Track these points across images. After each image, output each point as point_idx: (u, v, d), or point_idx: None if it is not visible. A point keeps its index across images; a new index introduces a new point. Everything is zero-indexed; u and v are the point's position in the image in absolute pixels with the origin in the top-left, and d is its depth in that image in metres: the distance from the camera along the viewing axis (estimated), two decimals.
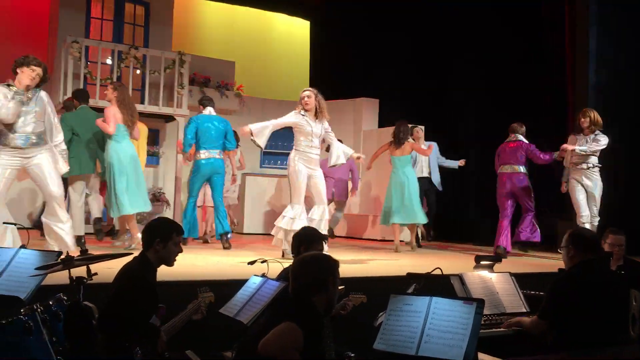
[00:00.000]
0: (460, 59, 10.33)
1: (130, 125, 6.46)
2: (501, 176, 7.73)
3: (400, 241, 8.01)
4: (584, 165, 6.96)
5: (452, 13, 10.25)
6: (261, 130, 6.20)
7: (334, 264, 2.75)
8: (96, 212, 7.11)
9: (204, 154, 7.40)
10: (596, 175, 6.99)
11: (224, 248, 7.17)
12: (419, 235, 8.74)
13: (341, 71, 11.97)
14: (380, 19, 11.55)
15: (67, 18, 10.14)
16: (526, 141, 7.64)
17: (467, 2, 9.90)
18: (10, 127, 4.98)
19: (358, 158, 6.77)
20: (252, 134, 6.17)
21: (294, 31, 14.11)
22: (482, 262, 4.11)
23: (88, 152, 6.73)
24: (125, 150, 6.39)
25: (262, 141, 6.23)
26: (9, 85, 5.02)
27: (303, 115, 6.30)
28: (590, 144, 6.91)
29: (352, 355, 3.11)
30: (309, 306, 2.60)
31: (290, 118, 6.32)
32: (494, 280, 3.85)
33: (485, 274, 3.90)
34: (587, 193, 6.99)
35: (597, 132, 6.96)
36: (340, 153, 6.58)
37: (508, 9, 9.52)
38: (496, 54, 9.80)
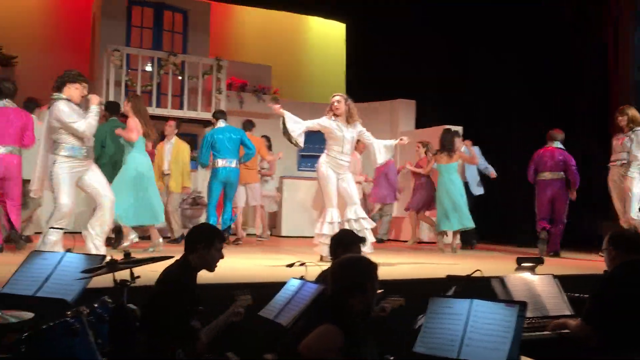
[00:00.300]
0: (499, 59, 10.16)
1: (149, 135, 6.52)
2: (541, 183, 7.85)
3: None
4: (618, 163, 6.89)
5: (489, 13, 10.10)
6: (295, 121, 6.20)
7: (373, 266, 2.73)
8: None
9: (221, 162, 7.74)
10: (634, 173, 6.81)
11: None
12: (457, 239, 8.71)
13: (377, 73, 11.92)
14: (417, 19, 11.46)
15: (108, 27, 10.40)
16: (564, 149, 7.77)
17: (505, 2, 9.75)
18: (80, 140, 5.17)
19: (401, 140, 6.53)
20: (284, 117, 6.14)
21: (329, 33, 14.14)
22: (524, 264, 4.04)
23: (111, 164, 6.85)
24: (144, 162, 6.48)
25: (297, 134, 6.17)
26: (68, 100, 5.14)
27: (334, 120, 6.27)
28: (634, 143, 6.76)
29: (392, 358, 3.09)
30: (346, 308, 2.60)
31: (322, 121, 6.30)
32: (536, 283, 3.77)
33: (527, 276, 3.83)
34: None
35: (638, 129, 6.80)
36: (382, 149, 6.48)
37: (549, 8, 9.33)
38: (536, 54, 9.62)
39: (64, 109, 5.04)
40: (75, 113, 5.12)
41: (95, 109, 5.18)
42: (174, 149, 8.20)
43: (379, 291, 3.02)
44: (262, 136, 9.38)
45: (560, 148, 7.78)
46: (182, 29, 11.08)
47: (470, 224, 8.06)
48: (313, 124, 6.31)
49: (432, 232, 9.15)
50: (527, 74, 9.74)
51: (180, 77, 9.93)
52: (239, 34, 13.27)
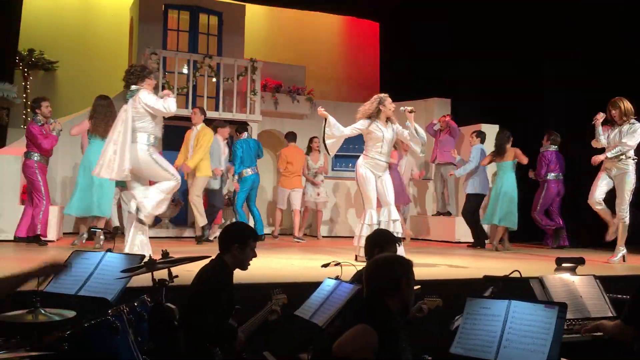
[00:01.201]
0: (535, 56, 9.97)
1: (97, 131, 7.03)
2: (552, 182, 8.80)
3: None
4: (615, 158, 6.66)
5: (524, 10, 9.93)
6: (336, 128, 6.26)
7: (408, 264, 2.70)
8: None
9: (247, 171, 8.73)
10: (629, 167, 6.62)
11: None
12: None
13: (412, 71, 11.83)
14: (452, 17, 11.35)
15: (146, 31, 10.58)
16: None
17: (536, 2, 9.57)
18: (157, 130, 5.70)
19: (411, 112, 6.38)
20: (326, 120, 6.28)
21: (363, 33, 14.11)
22: (564, 265, 3.96)
23: None
24: (89, 157, 6.94)
25: (331, 142, 6.34)
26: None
27: (373, 121, 6.27)
28: (626, 136, 6.55)
29: (429, 358, 3.07)
30: (382, 308, 2.57)
31: (360, 125, 6.30)
32: (576, 284, 3.69)
33: (567, 276, 3.74)
34: (614, 185, 6.74)
35: (633, 121, 6.60)
36: (413, 141, 6.43)
37: (588, 6, 9.10)
38: (574, 52, 9.38)
39: (149, 95, 5.56)
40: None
41: (171, 96, 5.69)
42: (198, 134, 8.12)
43: (417, 287, 2.99)
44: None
45: (558, 150, 8.85)
46: (217, 31, 11.20)
47: (512, 224, 8.31)
48: (351, 131, 6.33)
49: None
50: (564, 72, 9.52)
51: (215, 79, 10.04)
52: (273, 35, 13.35)
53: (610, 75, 8.87)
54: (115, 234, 7.91)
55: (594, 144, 6.96)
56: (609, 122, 6.80)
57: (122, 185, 7.41)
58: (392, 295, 2.59)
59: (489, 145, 8.85)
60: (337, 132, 6.28)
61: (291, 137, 9.69)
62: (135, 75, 5.62)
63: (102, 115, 7.06)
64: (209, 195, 8.62)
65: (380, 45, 13.50)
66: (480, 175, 8.80)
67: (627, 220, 6.66)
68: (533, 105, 9.96)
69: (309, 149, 9.78)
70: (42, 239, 7.06)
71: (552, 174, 8.88)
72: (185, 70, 9.93)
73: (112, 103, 7.25)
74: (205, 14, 11.13)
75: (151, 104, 5.52)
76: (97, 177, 6.22)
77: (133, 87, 5.60)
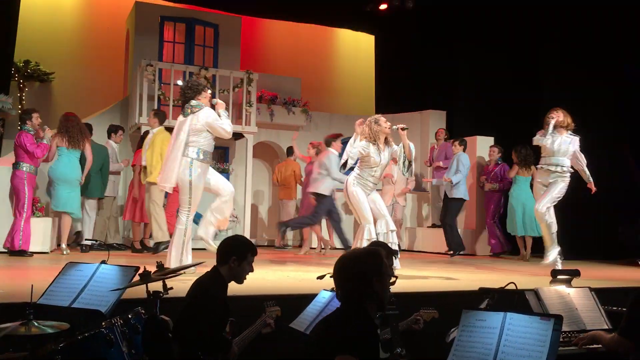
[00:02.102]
0: (532, 68, 10.02)
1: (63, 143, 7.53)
2: (492, 193, 9.48)
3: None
4: (553, 168, 6.59)
5: (520, 22, 9.99)
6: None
7: (376, 258, 2.53)
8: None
9: None
10: (565, 177, 6.59)
11: None
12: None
13: (407, 84, 11.89)
14: (446, 30, 11.41)
15: (142, 42, 10.62)
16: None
17: (531, 8, 9.62)
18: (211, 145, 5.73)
19: (403, 130, 6.21)
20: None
21: (358, 46, 14.18)
22: (559, 277, 3.96)
23: (97, 172, 8.29)
24: (53, 167, 7.58)
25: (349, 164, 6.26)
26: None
27: (373, 144, 6.14)
28: (561, 146, 6.55)
29: (403, 351, 3.00)
30: (360, 315, 2.42)
31: (362, 147, 6.11)
32: (572, 296, 3.69)
33: (562, 289, 3.75)
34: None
35: (570, 133, 6.62)
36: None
37: (585, 14, 9.17)
38: (572, 65, 9.43)
39: (211, 114, 5.63)
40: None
41: (224, 113, 5.74)
42: (152, 139, 7.76)
43: (392, 280, 2.86)
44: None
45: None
46: (213, 43, 11.24)
47: (538, 232, 8.41)
48: (355, 153, 6.14)
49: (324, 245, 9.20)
50: (560, 85, 9.57)
51: (211, 91, 10.04)
52: (269, 47, 13.41)
53: (607, 88, 8.96)
54: (77, 239, 8.51)
55: (536, 141, 6.91)
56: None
57: (87, 195, 8.06)
58: (368, 296, 2.46)
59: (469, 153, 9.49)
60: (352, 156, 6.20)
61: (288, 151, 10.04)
62: (193, 90, 5.70)
63: (78, 130, 7.59)
64: (317, 200, 8.40)
65: (375, 57, 13.57)
66: (466, 183, 9.22)
67: (548, 219, 6.55)
68: (529, 117, 9.99)
69: None
70: (26, 251, 7.11)
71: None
72: (181, 82, 9.95)
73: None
74: (201, 26, 11.17)
75: (212, 124, 5.61)
76: (69, 183, 7.26)
77: (193, 102, 5.67)
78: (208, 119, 5.59)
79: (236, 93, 10.02)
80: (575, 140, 6.65)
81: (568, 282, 3.90)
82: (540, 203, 6.61)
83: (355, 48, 14.19)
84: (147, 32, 10.71)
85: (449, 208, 9.10)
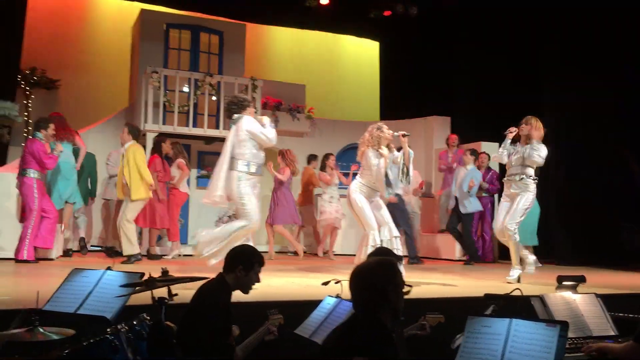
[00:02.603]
0: (534, 73, 10.02)
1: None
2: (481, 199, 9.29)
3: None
4: (517, 177, 6.32)
5: (522, 27, 10.00)
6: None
7: (391, 268, 2.56)
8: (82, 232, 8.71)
9: None
10: (529, 186, 6.29)
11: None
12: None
13: (411, 90, 11.91)
14: (450, 35, 11.43)
15: (147, 49, 10.67)
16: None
17: (535, 13, 9.63)
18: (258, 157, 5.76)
19: (404, 136, 6.20)
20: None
21: (362, 52, 14.20)
22: (565, 283, 3.95)
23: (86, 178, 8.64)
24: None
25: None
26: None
27: (376, 151, 6.17)
28: (527, 154, 6.25)
29: None
30: (377, 325, 2.44)
31: (379, 161, 6.14)
32: (578, 302, 3.67)
33: (568, 295, 3.73)
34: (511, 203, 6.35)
35: (535, 142, 6.28)
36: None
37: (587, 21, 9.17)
38: (573, 69, 9.43)
39: (252, 123, 5.69)
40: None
41: (268, 121, 5.84)
42: (126, 156, 7.49)
43: (407, 289, 2.87)
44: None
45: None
46: (218, 50, 11.28)
47: (529, 241, 8.47)
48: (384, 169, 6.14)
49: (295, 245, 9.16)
50: (561, 90, 9.57)
51: (216, 98, 10.09)
52: (274, 54, 13.44)
53: (607, 93, 8.94)
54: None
55: (494, 159, 6.86)
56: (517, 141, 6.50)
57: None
58: (382, 306, 2.48)
59: None
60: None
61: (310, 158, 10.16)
62: (238, 106, 5.80)
63: (61, 126, 7.85)
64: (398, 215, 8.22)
65: (380, 64, 13.59)
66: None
67: (516, 237, 6.28)
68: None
69: (323, 166, 9.73)
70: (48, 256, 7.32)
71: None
72: (186, 89, 9.98)
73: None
74: (207, 33, 11.22)
75: (253, 131, 5.66)
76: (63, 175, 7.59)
77: (235, 115, 5.77)
78: (249, 127, 5.64)
79: None
80: (539, 148, 6.26)
81: (574, 288, 3.89)
82: (509, 220, 6.24)
83: (359, 54, 14.21)
84: (152, 39, 10.76)
85: (464, 222, 9.12)
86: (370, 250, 5.94)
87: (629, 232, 8.67)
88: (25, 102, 10.81)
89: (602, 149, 8.90)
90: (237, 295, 3.42)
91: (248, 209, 5.60)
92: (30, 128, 9.69)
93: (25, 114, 10.67)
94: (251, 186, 5.66)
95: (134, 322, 3.07)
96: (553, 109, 9.72)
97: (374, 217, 6.15)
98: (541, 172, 9.03)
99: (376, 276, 2.53)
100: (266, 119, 5.83)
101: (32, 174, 7.11)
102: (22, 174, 7.17)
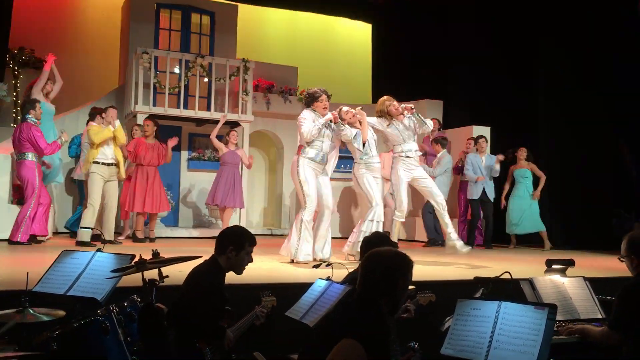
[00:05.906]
0: (529, 57, 10.01)
1: None
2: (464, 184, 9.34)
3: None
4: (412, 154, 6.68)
5: (517, 12, 9.96)
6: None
7: (408, 263, 2.55)
8: None
9: None
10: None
11: None
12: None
13: (404, 73, 11.85)
14: (443, 19, 11.37)
15: (137, 30, 10.54)
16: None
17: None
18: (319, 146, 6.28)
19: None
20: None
21: (355, 34, 14.12)
22: (554, 267, 3.98)
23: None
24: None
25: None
26: (314, 111, 6.35)
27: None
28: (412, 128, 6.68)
29: (416, 345, 3.02)
30: (375, 310, 2.45)
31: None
32: (566, 285, 3.71)
33: (557, 278, 3.76)
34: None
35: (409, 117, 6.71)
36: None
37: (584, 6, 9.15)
38: (568, 55, 9.43)
39: (303, 117, 6.25)
40: (310, 120, 6.22)
41: (321, 120, 6.25)
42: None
43: (411, 288, 2.91)
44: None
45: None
46: (210, 31, 11.17)
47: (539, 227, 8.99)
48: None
49: None
50: (559, 74, 9.58)
51: (207, 79, 10.02)
52: (266, 35, 13.34)
53: (602, 79, 8.97)
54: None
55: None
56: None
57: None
58: (386, 293, 2.48)
59: None
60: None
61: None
62: (306, 100, 6.53)
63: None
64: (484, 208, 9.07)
65: (372, 46, 13.52)
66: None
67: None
68: (525, 107, 10.01)
69: None
70: (38, 238, 7.20)
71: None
72: (177, 70, 9.90)
73: None
74: (198, 13, 11.10)
75: (298, 122, 6.27)
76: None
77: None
78: (299, 118, 6.25)
79: (232, 81, 9.98)
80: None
81: (562, 272, 3.93)
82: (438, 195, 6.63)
83: (352, 37, 14.12)
84: (142, 20, 10.64)
85: (484, 208, 9.19)
86: (367, 224, 6.07)
87: (619, 218, 8.76)
88: (13, 82, 10.69)
89: (595, 137, 8.94)
90: (229, 278, 3.43)
91: (307, 192, 6.13)
92: (19, 108, 9.58)
93: (14, 93, 10.56)
94: (310, 171, 6.25)
95: (125, 304, 3.08)
96: (547, 95, 9.75)
97: (378, 191, 6.42)
98: (535, 159, 9.17)
99: (393, 263, 2.53)
100: (323, 118, 6.30)
101: (32, 156, 7.11)
102: (20, 157, 7.13)
